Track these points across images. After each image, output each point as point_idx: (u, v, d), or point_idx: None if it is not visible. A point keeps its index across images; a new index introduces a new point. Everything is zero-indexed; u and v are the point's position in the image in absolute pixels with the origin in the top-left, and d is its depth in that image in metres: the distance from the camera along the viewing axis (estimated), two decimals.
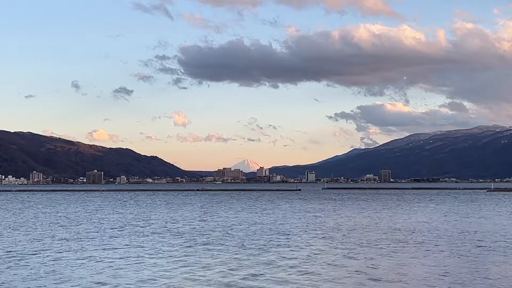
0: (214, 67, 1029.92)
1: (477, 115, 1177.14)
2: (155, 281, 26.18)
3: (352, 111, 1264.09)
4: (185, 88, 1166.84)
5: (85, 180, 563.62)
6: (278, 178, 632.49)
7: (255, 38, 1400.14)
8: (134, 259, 33.27)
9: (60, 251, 37.19)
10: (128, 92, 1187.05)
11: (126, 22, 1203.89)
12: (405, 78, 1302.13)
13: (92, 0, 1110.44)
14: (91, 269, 29.61)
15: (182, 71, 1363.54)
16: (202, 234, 48.74)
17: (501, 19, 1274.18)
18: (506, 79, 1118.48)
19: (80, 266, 30.70)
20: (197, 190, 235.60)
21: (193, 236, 46.60)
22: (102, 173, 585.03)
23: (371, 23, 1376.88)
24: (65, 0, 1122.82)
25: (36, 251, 37.16)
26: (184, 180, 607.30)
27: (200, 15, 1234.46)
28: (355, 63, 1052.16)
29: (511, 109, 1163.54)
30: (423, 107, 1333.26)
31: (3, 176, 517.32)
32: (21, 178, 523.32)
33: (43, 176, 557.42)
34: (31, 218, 71.14)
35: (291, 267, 30.03)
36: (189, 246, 39.55)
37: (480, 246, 38.30)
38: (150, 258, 33.67)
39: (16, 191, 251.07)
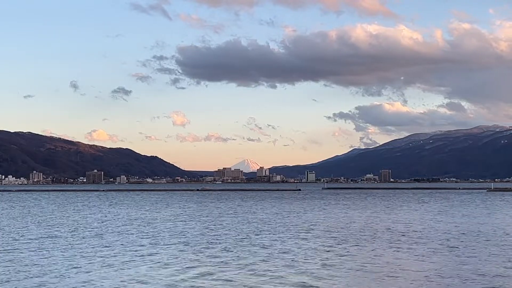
0: (212, 67, 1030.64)
1: (476, 115, 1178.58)
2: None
3: (350, 111, 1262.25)
4: (183, 88, 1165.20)
5: (85, 180, 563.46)
6: (278, 178, 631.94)
7: (253, 38, 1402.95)
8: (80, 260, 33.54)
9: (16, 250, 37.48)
10: (126, 92, 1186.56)
11: (123, 23, 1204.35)
12: (402, 78, 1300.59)
13: (89, 0, 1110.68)
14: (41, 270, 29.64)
15: (180, 71, 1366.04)
16: (178, 235, 49.03)
17: (498, 20, 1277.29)
18: (503, 79, 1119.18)
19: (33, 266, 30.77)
20: (197, 190, 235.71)
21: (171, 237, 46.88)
22: (102, 173, 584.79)
23: (368, 23, 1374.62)
24: (63, 0, 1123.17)
25: None
26: (184, 180, 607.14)
27: (197, 15, 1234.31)
28: (353, 63, 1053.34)
29: (509, 109, 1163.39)
30: (421, 107, 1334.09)
31: (3, 176, 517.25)
32: (21, 178, 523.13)
33: (43, 176, 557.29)
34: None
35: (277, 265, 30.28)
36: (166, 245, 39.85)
37: (467, 245, 38.62)
38: (109, 258, 33.89)
39: (16, 191, 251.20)
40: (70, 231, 51.91)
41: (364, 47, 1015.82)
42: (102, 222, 63.50)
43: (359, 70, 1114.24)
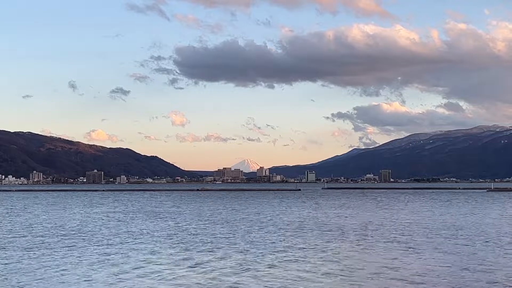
0: (210, 67, 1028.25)
1: (474, 115, 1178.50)
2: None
3: (348, 111, 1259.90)
4: (181, 88, 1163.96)
5: (85, 180, 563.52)
6: (278, 178, 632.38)
7: (250, 39, 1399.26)
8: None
9: None
10: (124, 93, 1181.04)
11: (121, 23, 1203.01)
12: (399, 78, 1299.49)
13: (87, 0, 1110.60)
14: None
15: (178, 71, 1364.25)
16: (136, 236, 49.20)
17: (493, 20, 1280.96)
18: (501, 79, 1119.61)
19: None
20: (197, 190, 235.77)
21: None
22: (102, 173, 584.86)
23: (365, 23, 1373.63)
24: (61, 0, 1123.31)
25: None
26: (184, 180, 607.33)
27: (194, 15, 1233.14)
28: (350, 63, 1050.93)
29: (507, 109, 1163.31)
30: (420, 107, 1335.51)
31: (3, 176, 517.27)
32: (21, 178, 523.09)
33: (43, 176, 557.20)
34: None
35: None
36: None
37: (459, 243, 38.84)
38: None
39: (16, 191, 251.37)
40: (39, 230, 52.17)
41: (361, 47, 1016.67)
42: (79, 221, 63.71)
43: (356, 70, 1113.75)
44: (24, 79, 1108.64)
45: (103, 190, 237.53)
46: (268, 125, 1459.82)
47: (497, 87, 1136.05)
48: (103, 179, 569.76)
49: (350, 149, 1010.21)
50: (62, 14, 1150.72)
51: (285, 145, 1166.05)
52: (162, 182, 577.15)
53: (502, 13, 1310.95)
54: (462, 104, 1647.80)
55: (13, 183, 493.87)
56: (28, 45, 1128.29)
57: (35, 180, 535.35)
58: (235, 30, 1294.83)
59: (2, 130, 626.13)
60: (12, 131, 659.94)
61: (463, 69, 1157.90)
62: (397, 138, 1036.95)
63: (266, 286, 24.66)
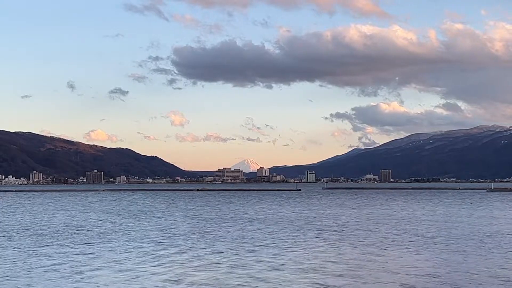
0: (208, 67, 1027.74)
1: (472, 115, 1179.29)
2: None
3: (346, 111, 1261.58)
4: (179, 88, 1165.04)
5: (85, 180, 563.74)
6: (278, 178, 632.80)
7: (248, 39, 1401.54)
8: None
9: None
10: (123, 93, 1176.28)
11: (119, 23, 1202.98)
12: (397, 78, 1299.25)
13: (85, 1, 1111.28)
14: None
15: (176, 71, 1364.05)
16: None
17: (491, 20, 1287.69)
18: (499, 79, 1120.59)
19: None
20: (197, 190, 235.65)
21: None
22: (102, 173, 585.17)
23: (362, 23, 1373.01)
24: (60, 0, 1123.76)
25: None
26: (184, 180, 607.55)
27: (191, 16, 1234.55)
28: (348, 64, 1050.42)
29: (505, 109, 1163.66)
30: (418, 107, 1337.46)
31: (3, 176, 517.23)
32: (21, 178, 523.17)
33: (43, 176, 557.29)
34: None
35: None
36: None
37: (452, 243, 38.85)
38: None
39: (16, 191, 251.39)
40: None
41: (358, 48, 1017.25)
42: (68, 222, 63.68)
43: (354, 71, 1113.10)
44: (23, 79, 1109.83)
45: (103, 190, 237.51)
46: (267, 125, 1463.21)
47: (495, 87, 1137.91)
48: (103, 179, 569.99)
49: (350, 149, 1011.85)
50: (60, 15, 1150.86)
51: (284, 145, 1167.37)
52: (162, 182, 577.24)
53: (499, 13, 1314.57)
54: (461, 104, 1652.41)
55: (13, 183, 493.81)
56: (27, 45, 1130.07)
57: (35, 180, 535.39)
58: (233, 31, 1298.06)
59: (2, 130, 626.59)
60: (12, 131, 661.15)
61: (461, 69, 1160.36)
62: (397, 138, 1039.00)
63: (262, 285, 24.70)
